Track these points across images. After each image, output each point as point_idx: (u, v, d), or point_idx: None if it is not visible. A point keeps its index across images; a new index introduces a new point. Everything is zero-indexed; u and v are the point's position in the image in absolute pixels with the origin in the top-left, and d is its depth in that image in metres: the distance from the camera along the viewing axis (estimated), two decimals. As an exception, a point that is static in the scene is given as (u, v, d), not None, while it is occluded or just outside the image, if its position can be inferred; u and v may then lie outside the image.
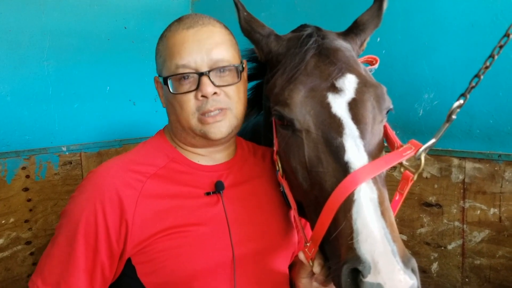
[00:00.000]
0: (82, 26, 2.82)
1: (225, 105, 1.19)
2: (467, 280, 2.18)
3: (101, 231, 1.09)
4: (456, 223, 2.19)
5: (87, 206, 1.11)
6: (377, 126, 1.13)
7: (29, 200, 2.48)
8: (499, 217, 2.05)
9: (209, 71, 1.16)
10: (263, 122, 1.53)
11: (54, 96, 2.69)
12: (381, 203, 0.96)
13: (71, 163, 2.69)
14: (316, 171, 1.06)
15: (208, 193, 1.23)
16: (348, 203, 0.95)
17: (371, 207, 0.94)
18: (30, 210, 2.48)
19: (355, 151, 1.02)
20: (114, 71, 3.02)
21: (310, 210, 1.13)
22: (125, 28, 3.11)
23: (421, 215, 2.31)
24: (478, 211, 2.12)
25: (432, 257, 2.30)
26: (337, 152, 1.03)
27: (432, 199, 2.27)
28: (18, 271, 2.44)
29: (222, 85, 1.19)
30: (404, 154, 1.05)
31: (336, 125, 1.07)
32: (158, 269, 1.12)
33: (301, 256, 1.11)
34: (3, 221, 2.36)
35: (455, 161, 2.18)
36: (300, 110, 1.10)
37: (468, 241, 2.16)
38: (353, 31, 1.36)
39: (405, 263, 0.90)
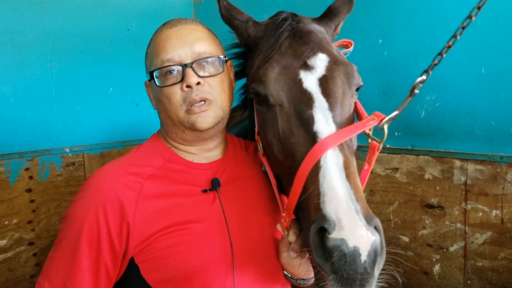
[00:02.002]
0: (85, 28, 2.84)
1: (209, 96, 1.24)
2: (469, 282, 2.18)
3: (103, 234, 1.13)
4: (458, 225, 2.19)
5: (89, 210, 1.14)
6: (347, 100, 1.20)
7: (32, 201, 2.49)
8: (501, 219, 2.05)
9: (192, 63, 1.23)
10: (248, 113, 1.58)
11: (57, 97, 2.70)
12: (346, 167, 1.02)
13: (74, 164, 2.70)
14: (288, 143, 1.14)
15: (205, 191, 1.27)
16: (315, 169, 1.02)
17: (336, 171, 1.01)
18: (33, 211, 2.49)
19: (324, 122, 1.10)
20: (116, 72, 3.03)
21: (286, 182, 1.19)
22: (128, 30, 3.12)
23: (423, 217, 2.31)
24: (480, 213, 2.12)
25: (434, 259, 2.30)
26: (307, 123, 1.11)
27: (434, 200, 2.27)
28: (21, 272, 2.45)
29: (206, 75, 1.25)
30: (368, 124, 1.12)
31: (306, 99, 1.14)
32: (161, 266, 1.16)
33: (279, 227, 1.19)
34: (6, 222, 2.37)
35: (457, 163, 2.18)
36: (274, 86, 1.18)
37: (470, 243, 2.16)
38: (327, 16, 1.44)
39: (368, 220, 0.95)
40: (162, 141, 1.36)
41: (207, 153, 1.36)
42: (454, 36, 1.09)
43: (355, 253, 0.91)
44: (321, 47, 1.25)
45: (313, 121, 1.10)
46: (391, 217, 2.42)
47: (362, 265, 0.91)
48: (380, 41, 2.46)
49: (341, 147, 1.05)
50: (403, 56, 2.39)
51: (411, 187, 2.36)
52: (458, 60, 2.17)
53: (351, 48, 1.46)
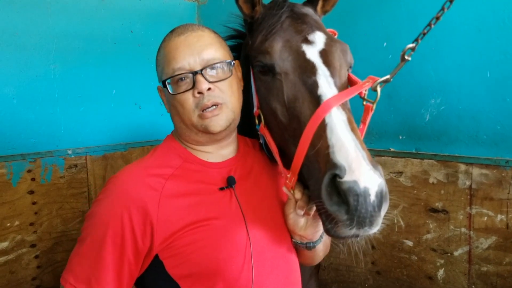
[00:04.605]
0: (89, 30, 2.84)
1: (220, 100, 1.32)
2: (473, 287, 2.16)
3: (128, 233, 1.21)
4: (463, 230, 2.17)
5: (114, 209, 1.23)
6: (343, 71, 1.35)
7: (34, 203, 2.48)
8: (506, 224, 2.04)
9: (201, 70, 1.31)
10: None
11: (60, 99, 2.70)
12: (350, 122, 1.16)
13: (76, 166, 2.70)
14: (294, 106, 1.27)
15: (221, 188, 1.36)
16: (322, 126, 1.15)
17: (342, 125, 1.14)
18: (35, 213, 2.49)
19: (327, 86, 1.24)
20: (120, 74, 3.02)
21: (289, 146, 1.31)
22: (131, 31, 3.12)
23: (427, 221, 2.30)
24: (485, 218, 2.10)
25: (438, 264, 2.28)
26: (311, 88, 1.25)
27: (438, 205, 2.25)
28: (23, 274, 2.44)
29: (215, 80, 1.33)
30: (364, 85, 1.25)
31: (310, 67, 1.29)
32: (184, 261, 1.24)
33: (284, 188, 1.32)
34: (8, 224, 2.37)
35: (462, 167, 2.17)
36: (279, 56, 1.32)
37: (475, 248, 2.14)
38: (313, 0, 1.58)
39: (373, 166, 1.08)
40: (177, 142, 1.44)
41: (221, 151, 1.44)
42: (442, 9, 1.28)
43: (366, 192, 1.03)
44: (318, 27, 1.41)
45: (317, 86, 1.25)
46: (395, 221, 2.40)
47: (372, 204, 1.03)
48: (385, 44, 2.45)
49: (343, 106, 1.20)
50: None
51: (415, 191, 2.34)
52: (463, 63, 2.16)
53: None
